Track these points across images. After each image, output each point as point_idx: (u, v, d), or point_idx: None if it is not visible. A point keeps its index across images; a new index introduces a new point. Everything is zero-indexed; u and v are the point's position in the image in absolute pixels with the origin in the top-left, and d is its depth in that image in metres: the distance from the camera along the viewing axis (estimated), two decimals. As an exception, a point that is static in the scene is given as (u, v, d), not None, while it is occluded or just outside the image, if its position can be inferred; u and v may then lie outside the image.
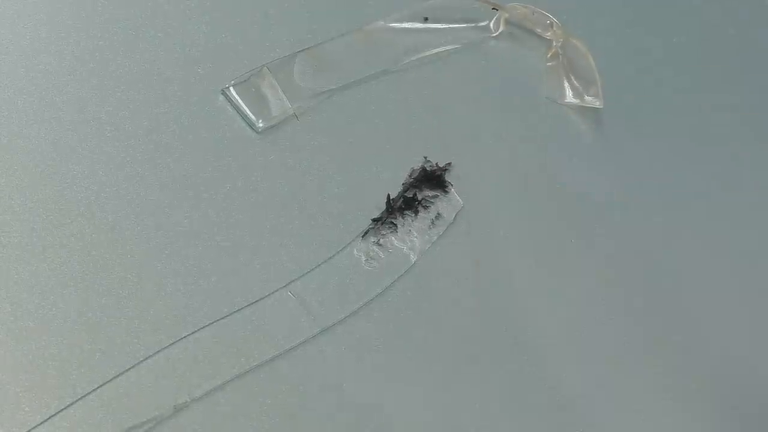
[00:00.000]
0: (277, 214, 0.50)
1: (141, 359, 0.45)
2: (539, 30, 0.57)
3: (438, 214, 0.50)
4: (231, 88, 0.53)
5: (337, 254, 0.49)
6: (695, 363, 0.49)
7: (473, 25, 0.57)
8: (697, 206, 0.54)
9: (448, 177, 0.51)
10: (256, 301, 0.48)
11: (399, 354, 0.47)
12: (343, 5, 0.57)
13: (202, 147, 0.52)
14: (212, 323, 0.47)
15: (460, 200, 0.51)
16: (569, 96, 0.55)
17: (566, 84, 0.55)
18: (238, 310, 0.47)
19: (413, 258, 0.49)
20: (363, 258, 0.49)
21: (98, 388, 0.45)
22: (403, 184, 0.50)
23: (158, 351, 0.46)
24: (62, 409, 0.44)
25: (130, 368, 0.45)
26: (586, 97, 0.55)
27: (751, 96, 0.57)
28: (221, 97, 0.53)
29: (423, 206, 0.50)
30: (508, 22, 0.57)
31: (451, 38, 0.57)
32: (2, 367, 0.45)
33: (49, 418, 0.44)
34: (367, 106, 0.54)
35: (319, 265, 0.49)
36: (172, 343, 0.46)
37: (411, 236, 0.50)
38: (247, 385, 0.46)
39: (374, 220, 0.50)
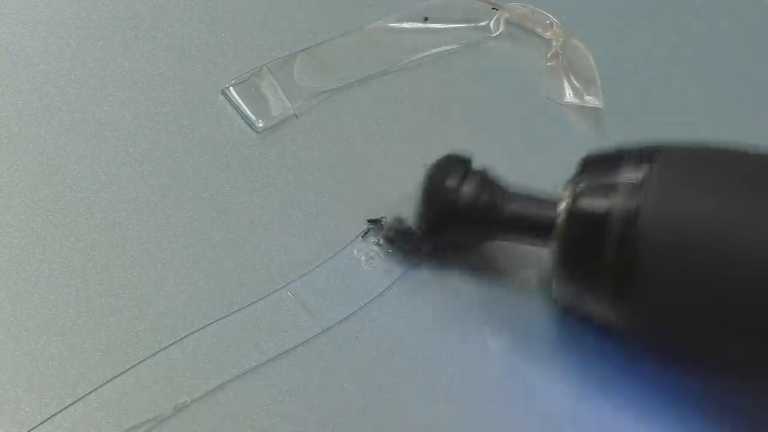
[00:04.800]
0: (277, 214, 0.50)
1: (141, 359, 0.45)
2: (539, 30, 0.57)
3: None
4: (231, 88, 0.53)
5: (337, 254, 0.49)
6: None
7: (473, 25, 0.57)
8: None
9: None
10: (256, 301, 0.48)
11: (399, 354, 0.47)
12: (343, 5, 0.57)
13: (201, 147, 0.52)
14: (212, 323, 0.47)
15: None
16: (569, 96, 0.55)
17: (566, 84, 0.55)
18: (238, 310, 0.47)
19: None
20: (363, 258, 0.49)
21: (98, 388, 0.45)
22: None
23: (158, 351, 0.46)
24: (62, 409, 0.44)
25: (130, 368, 0.45)
26: (586, 97, 0.55)
27: (752, 96, 0.57)
28: (221, 97, 0.53)
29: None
30: (508, 22, 0.57)
31: (451, 38, 0.57)
32: (2, 367, 0.45)
33: (49, 418, 0.44)
34: (367, 106, 0.54)
35: (319, 265, 0.49)
36: (172, 343, 0.46)
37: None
38: (247, 385, 0.46)
39: (370, 221, 0.50)
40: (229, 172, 0.51)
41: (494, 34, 0.57)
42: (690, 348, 0.46)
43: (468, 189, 0.47)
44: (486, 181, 0.48)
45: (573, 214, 0.45)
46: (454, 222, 0.47)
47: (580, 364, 0.47)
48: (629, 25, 0.59)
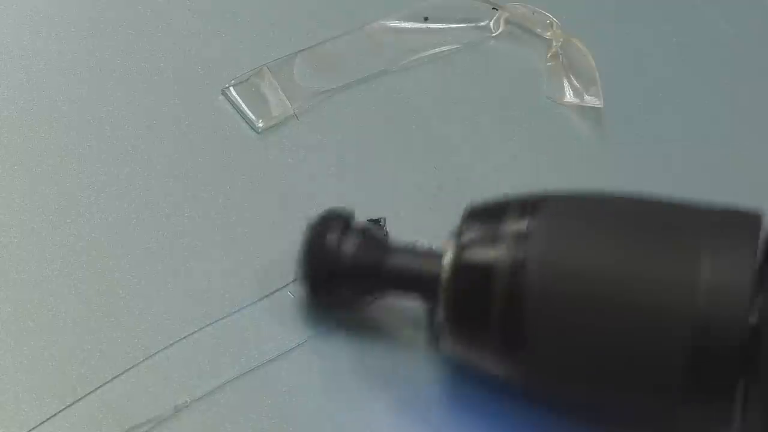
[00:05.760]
0: (277, 213, 0.50)
1: (141, 359, 0.45)
2: (539, 30, 0.57)
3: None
4: (231, 88, 0.53)
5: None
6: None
7: (473, 25, 0.57)
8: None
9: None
10: (256, 301, 0.48)
11: (399, 354, 0.47)
12: (343, 5, 0.57)
13: (202, 147, 0.52)
14: (212, 323, 0.47)
15: None
16: (569, 96, 0.55)
17: (566, 84, 0.55)
18: (238, 310, 0.47)
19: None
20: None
21: (98, 388, 0.45)
22: None
23: (158, 351, 0.46)
24: (62, 409, 0.44)
25: (130, 368, 0.45)
26: (586, 97, 0.55)
27: (752, 95, 0.57)
28: (221, 97, 0.53)
29: None
30: (508, 22, 0.57)
31: (451, 38, 0.57)
32: (2, 367, 0.45)
33: (49, 418, 0.44)
34: (367, 106, 0.54)
35: (319, 265, 0.49)
36: (172, 343, 0.46)
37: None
38: (247, 385, 0.46)
39: (370, 221, 0.50)
40: (229, 172, 0.51)
41: (494, 34, 0.57)
42: (580, 402, 0.45)
43: (348, 246, 0.46)
44: (367, 236, 0.46)
45: (457, 267, 0.43)
46: (336, 281, 0.46)
47: (468, 423, 0.46)
48: (629, 25, 0.59)
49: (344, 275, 0.46)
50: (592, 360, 0.42)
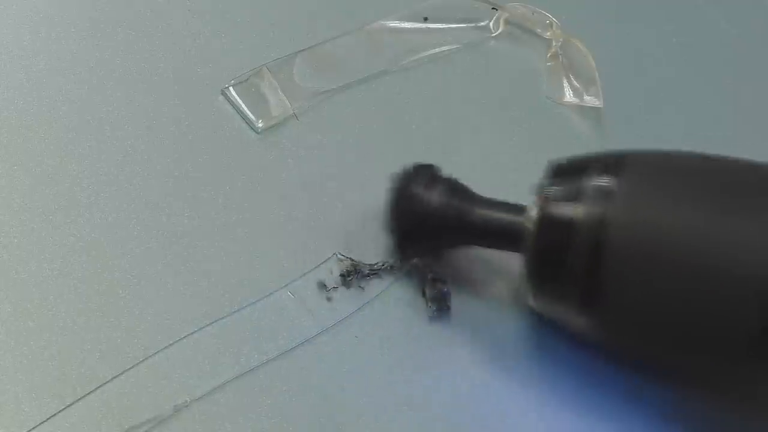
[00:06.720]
0: (277, 214, 0.50)
1: (141, 359, 0.45)
2: (539, 30, 0.57)
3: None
4: (231, 88, 0.53)
5: (337, 254, 0.49)
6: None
7: (473, 25, 0.57)
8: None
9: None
10: (256, 301, 0.48)
11: (399, 353, 0.47)
12: (343, 5, 0.57)
13: (201, 147, 0.52)
14: (212, 323, 0.47)
15: None
16: (569, 96, 0.55)
17: (566, 84, 0.56)
18: (238, 310, 0.47)
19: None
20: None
21: (98, 388, 0.45)
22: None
23: (158, 351, 0.46)
24: (62, 409, 0.44)
25: (130, 368, 0.45)
26: (586, 97, 0.55)
27: (753, 96, 0.57)
28: (221, 97, 0.53)
29: None
30: (508, 22, 0.57)
31: (451, 38, 0.57)
32: (2, 367, 0.45)
33: (49, 418, 0.44)
34: (367, 106, 0.54)
35: (320, 264, 0.49)
36: (172, 343, 0.46)
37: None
38: (247, 385, 0.46)
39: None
40: (229, 172, 0.51)
41: (494, 34, 0.57)
42: (655, 358, 0.46)
43: (436, 195, 0.47)
44: (454, 187, 0.47)
45: (542, 221, 0.44)
46: (425, 229, 0.47)
47: (552, 374, 0.47)
48: (629, 25, 0.59)
49: (432, 224, 0.47)
50: (667, 317, 0.43)
